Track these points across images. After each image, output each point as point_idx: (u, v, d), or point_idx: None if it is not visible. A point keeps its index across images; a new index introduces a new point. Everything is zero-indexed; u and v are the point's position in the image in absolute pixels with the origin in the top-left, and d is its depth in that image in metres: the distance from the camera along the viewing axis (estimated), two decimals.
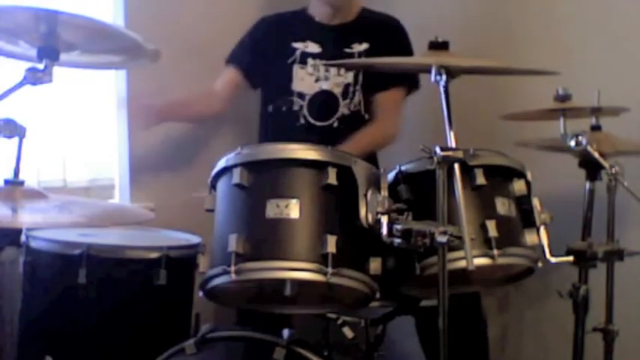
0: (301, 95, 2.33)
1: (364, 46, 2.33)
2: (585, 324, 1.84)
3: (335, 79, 2.33)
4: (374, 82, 2.34)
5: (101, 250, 1.72)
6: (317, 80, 2.33)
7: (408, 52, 2.32)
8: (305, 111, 2.32)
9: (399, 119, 2.39)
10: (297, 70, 2.33)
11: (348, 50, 2.33)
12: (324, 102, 2.33)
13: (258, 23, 2.44)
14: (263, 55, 2.38)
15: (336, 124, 2.32)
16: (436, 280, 1.40)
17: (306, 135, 2.28)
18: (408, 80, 2.36)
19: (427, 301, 1.75)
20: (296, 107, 2.32)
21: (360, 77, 2.33)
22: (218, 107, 2.47)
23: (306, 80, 2.33)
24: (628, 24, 2.24)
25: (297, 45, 2.34)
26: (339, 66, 2.31)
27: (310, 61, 2.33)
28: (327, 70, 2.32)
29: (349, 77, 2.33)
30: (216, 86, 2.45)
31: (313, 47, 2.33)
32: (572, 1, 2.37)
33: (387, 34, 2.36)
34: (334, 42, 2.33)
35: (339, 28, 2.37)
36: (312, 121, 2.32)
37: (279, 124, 2.36)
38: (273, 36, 2.39)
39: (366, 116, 2.35)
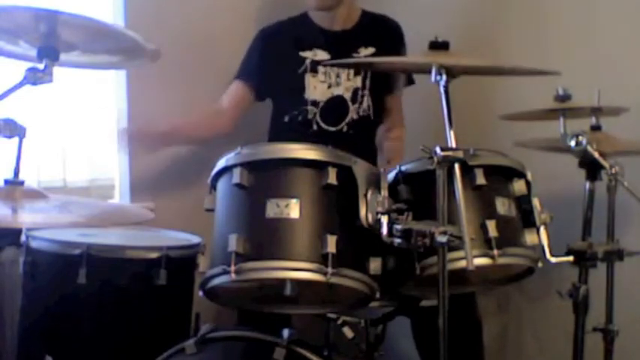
0: (315, 103, 2.33)
1: (370, 50, 2.34)
2: (585, 324, 1.84)
3: (345, 84, 2.34)
4: (382, 86, 2.36)
5: (101, 250, 1.72)
6: (329, 86, 2.34)
7: (404, 53, 2.35)
8: (318, 117, 2.33)
9: None
10: (309, 78, 2.33)
11: (355, 55, 2.34)
12: (335, 107, 2.34)
13: (258, 36, 2.41)
14: (271, 67, 2.36)
15: (345, 129, 2.34)
16: (436, 280, 1.40)
17: (318, 141, 2.27)
18: (408, 78, 2.43)
19: (427, 301, 1.75)
20: (310, 115, 2.33)
21: (368, 82, 2.34)
22: (226, 126, 2.39)
23: (319, 88, 2.34)
24: (628, 24, 2.24)
25: (306, 54, 2.33)
26: (339, 65, 2.31)
27: (321, 68, 2.33)
28: (338, 76, 2.33)
29: (357, 82, 2.34)
30: (222, 103, 2.41)
31: (322, 55, 2.33)
32: (572, 1, 2.37)
33: (390, 38, 2.39)
34: (342, 48, 2.33)
35: (343, 34, 2.38)
36: (324, 126, 2.33)
37: (292, 132, 2.35)
38: (278, 47, 2.37)
39: (376, 120, 2.37)
